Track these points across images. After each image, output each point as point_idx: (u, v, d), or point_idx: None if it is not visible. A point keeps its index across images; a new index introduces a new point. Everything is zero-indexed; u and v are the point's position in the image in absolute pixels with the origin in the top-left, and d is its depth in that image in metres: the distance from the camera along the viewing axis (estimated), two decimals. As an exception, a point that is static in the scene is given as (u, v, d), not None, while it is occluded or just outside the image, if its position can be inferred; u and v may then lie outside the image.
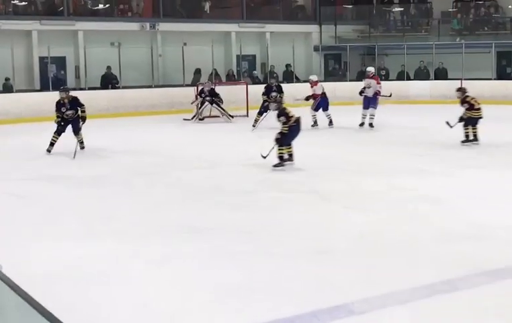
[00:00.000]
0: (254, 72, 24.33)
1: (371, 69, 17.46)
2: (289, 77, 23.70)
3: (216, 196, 8.83)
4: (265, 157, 10.71)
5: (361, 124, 16.13)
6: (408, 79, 24.18)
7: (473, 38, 24.87)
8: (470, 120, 12.90)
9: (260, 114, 16.44)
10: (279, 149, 10.72)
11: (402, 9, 27.01)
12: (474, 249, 6.16)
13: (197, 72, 22.31)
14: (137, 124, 17.52)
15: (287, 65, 23.97)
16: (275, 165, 10.54)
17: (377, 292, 5.11)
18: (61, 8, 21.64)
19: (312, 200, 8.46)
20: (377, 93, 16.15)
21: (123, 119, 18.69)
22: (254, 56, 25.26)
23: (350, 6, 27.26)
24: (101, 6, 22.72)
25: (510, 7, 25.63)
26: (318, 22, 25.90)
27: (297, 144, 12.83)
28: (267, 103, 15.80)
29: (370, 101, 16.08)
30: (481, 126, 13.19)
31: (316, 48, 25.62)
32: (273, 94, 16.49)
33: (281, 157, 10.68)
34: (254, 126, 16.23)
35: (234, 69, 23.76)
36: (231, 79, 22.81)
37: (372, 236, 6.72)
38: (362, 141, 13.92)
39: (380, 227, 7.07)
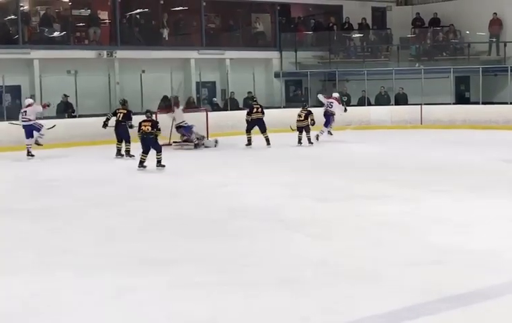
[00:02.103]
0: (214, 99, 24.34)
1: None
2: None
3: (175, 225, 8.75)
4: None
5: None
6: (369, 104, 24.49)
7: (431, 64, 25.38)
8: None
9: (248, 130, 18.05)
10: None
11: (361, 35, 27.36)
12: (438, 275, 6.21)
13: (165, 99, 22.20)
14: (94, 154, 17.30)
15: (249, 92, 24.01)
16: None
17: (340, 320, 5.11)
18: (16, 36, 21.35)
19: (276, 228, 8.43)
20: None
21: (80, 148, 18.45)
22: (214, 83, 25.26)
23: (310, 32, 27.50)
24: (57, 34, 22.46)
25: (467, 32, 26.17)
26: (278, 48, 26.06)
27: (261, 171, 12.84)
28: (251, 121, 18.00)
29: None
30: (441, 151, 13.39)
31: (276, 75, 25.77)
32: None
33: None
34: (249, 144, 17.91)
35: (194, 96, 23.72)
36: (191, 106, 22.73)
37: (336, 264, 6.71)
38: (326, 167, 13.97)
39: (344, 254, 7.08)
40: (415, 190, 10.85)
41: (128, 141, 16.45)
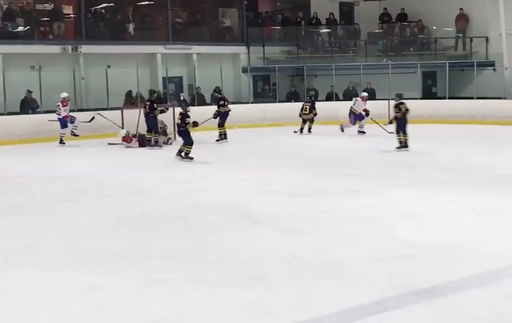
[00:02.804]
0: (182, 94, 24.25)
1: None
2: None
3: (143, 222, 8.73)
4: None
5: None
6: (337, 99, 24.64)
7: (399, 59, 25.64)
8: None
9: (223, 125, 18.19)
10: None
11: (329, 30, 27.51)
12: (405, 269, 6.30)
13: (128, 94, 22.08)
14: (59, 150, 17.16)
15: (216, 87, 23.96)
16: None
17: (309, 316, 5.15)
18: (-22, 31, 21.08)
19: (244, 224, 8.45)
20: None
21: (45, 145, 18.28)
22: (181, 78, 25.20)
23: (278, 27, 27.57)
24: (20, 28, 22.17)
25: (434, 28, 26.50)
26: (246, 43, 26.08)
27: (228, 167, 12.88)
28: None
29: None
30: (412, 145, 13.54)
31: (244, 70, 25.79)
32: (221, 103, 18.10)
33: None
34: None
35: (160, 91, 23.62)
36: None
37: (304, 259, 6.76)
38: (294, 163, 14.05)
39: (312, 249, 7.14)
40: (383, 184, 10.97)
41: (155, 131, 17.45)
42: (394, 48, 26.90)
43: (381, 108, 23.64)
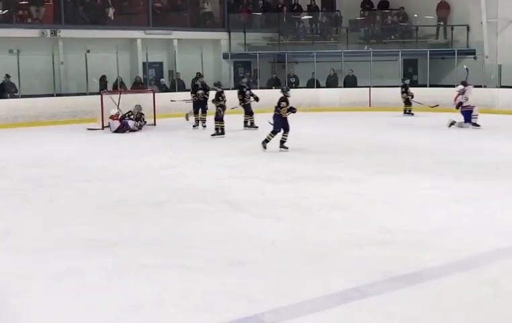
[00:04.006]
0: (162, 80, 24.17)
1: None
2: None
3: (122, 207, 8.68)
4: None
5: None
6: (319, 86, 24.66)
7: (380, 46, 25.71)
8: None
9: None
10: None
11: (311, 17, 27.51)
12: (383, 255, 6.32)
13: (102, 79, 21.92)
14: (37, 135, 17.02)
15: (197, 73, 23.90)
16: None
17: (288, 301, 5.15)
18: (-44, 14, 20.82)
19: (223, 210, 8.44)
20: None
21: (23, 129, 18.14)
22: (161, 64, 25.10)
23: (259, 13, 27.51)
24: (-2, 12, 21.99)
25: (415, 15, 26.58)
26: (227, 29, 26.00)
27: (208, 153, 12.85)
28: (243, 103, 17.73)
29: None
30: (388, 133, 13.55)
31: (225, 56, 25.73)
32: (247, 93, 17.66)
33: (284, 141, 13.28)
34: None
35: (140, 77, 23.52)
36: (138, 86, 22.54)
37: (283, 245, 6.77)
38: (273, 149, 14.02)
39: (291, 235, 7.14)
40: (362, 171, 10.99)
41: (203, 112, 18.08)
42: (376, 36, 26.96)
43: (362, 95, 23.78)
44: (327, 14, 28.04)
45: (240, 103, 17.85)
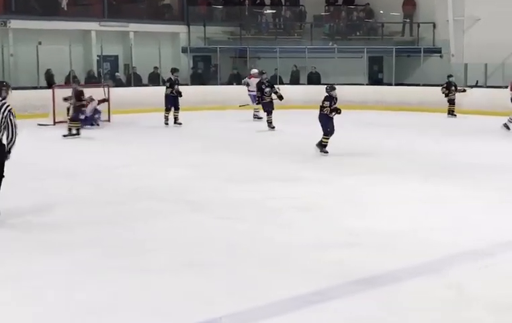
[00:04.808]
0: (117, 74, 23.98)
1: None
2: (156, 79, 23.55)
3: (76, 208, 8.62)
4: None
5: None
6: (281, 83, 24.69)
7: (345, 43, 25.87)
8: None
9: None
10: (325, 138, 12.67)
11: (274, 11, 27.56)
12: (346, 258, 6.39)
13: (47, 72, 21.66)
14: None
15: (155, 67, 23.82)
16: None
17: (247, 305, 5.18)
18: None
19: (181, 211, 8.43)
20: None
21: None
22: (116, 57, 24.89)
23: (220, 6, 27.45)
24: None
25: (381, 12, 26.84)
26: (186, 22, 25.90)
27: (167, 151, 12.77)
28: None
29: None
30: (354, 133, 13.62)
31: (184, 50, 25.61)
32: (267, 90, 17.03)
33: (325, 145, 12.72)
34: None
35: (94, 70, 23.32)
36: (91, 81, 22.32)
37: (244, 247, 6.80)
38: (237, 148, 14.06)
39: (252, 237, 7.18)
40: (330, 172, 11.10)
41: (177, 108, 17.86)
42: (340, 32, 27.13)
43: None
44: (291, 9, 28.12)
45: (259, 101, 17.52)
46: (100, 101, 18.44)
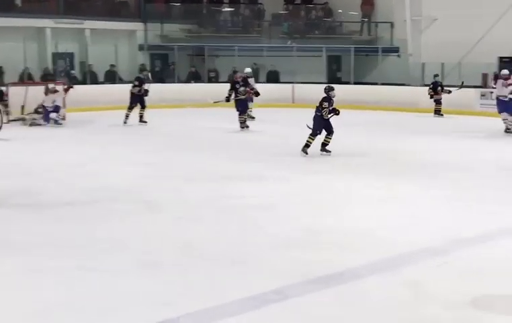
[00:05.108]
0: (73, 71, 23.71)
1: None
2: (112, 77, 23.39)
3: (30, 207, 8.51)
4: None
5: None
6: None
7: (304, 42, 25.98)
8: None
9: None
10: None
11: (232, 9, 27.55)
12: (305, 256, 6.41)
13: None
14: None
15: (111, 65, 23.63)
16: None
17: (205, 305, 5.14)
18: None
19: (138, 210, 8.36)
20: None
21: None
22: (72, 55, 24.60)
23: (177, 4, 27.32)
24: None
25: (340, 11, 27.02)
26: (142, 20, 25.73)
27: (124, 150, 12.65)
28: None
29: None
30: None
31: (141, 47, 25.46)
32: (241, 89, 16.75)
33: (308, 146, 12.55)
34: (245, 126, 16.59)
35: (50, 68, 23.02)
36: (47, 78, 22.03)
37: (202, 246, 6.76)
38: (195, 147, 14.01)
39: (211, 236, 7.16)
40: (289, 170, 11.13)
41: (143, 106, 17.80)
42: (299, 31, 27.23)
43: (284, 91, 23.95)
44: (249, 7, 28.14)
45: (228, 99, 17.23)
46: (66, 90, 18.26)
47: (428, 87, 20.64)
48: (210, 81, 25.08)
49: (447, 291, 5.49)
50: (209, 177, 10.49)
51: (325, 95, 12.97)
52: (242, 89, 16.78)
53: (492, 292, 5.52)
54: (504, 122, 16.32)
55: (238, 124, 16.59)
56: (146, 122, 17.78)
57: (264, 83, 24.57)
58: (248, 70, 19.66)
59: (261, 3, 28.08)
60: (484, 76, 22.86)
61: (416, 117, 20.38)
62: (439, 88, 20.36)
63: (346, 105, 21.58)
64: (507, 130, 16.16)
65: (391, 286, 5.65)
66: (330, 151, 12.72)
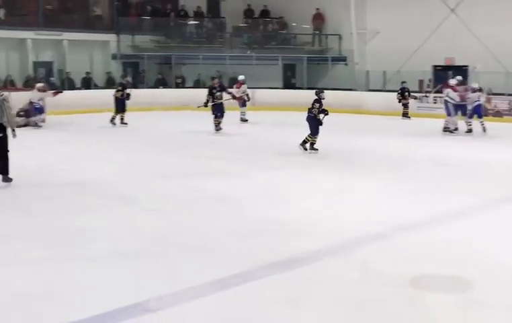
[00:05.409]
0: (52, 78, 23.37)
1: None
2: (88, 83, 23.20)
3: (9, 200, 8.38)
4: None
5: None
6: (205, 87, 24.67)
7: (262, 51, 26.05)
8: None
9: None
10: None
11: (197, 22, 27.48)
12: (263, 243, 6.38)
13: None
14: None
15: (87, 72, 23.45)
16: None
17: (172, 289, 5.08)
18: None
19: (112, 204, 8.23)
20: None
21: None
22: (51, 63, 24.24)
23: (147, 17, 27.15)
24: None
25: (294, 24, 27.13)
26: (116, 32, 25.48)
27: (99, 149, 12.45)
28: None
29: None
30: (270, 131, 13.61)
31: (114, 56, 25.22)
32: (218, 94, 16.21)
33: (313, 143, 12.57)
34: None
35: (31, 76, 22.64)
36: (29, 84, 21.65)
37: (170, 236, 6.69)
38: (164, 146, 13.88)
39: (178, 227, 7.08)
40: (248, 166, 11.10)
41: (124, 110, 17.50)
42: (258, 42, 27.27)
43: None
44: (212, 20, 28.10)
45: (205, 105, 16.44)
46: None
47: (396, 93, 20.81)
48: (177, 86, 25.09)
49: (390, 271, 5.52)
50: (177, 174, 10.39)
51: (316, 97, 12.95)
52: (218, 94, 16.50)
53: (428, 272, 5.58)
54: (446, 123, 16.51)
55: (208, 126, 16.43)
56: (126, 123, 17.57)
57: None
58: (241, 77, 19.62)
59: (223, 17, 28.05)
60: (421, 82, 23.18)
61: (361, 118, 20.52)
62: (407, 93, 20.48)
63: (300, 108, 21.72)
64: (446, 129, 16.37)
65: (341, 267, 5.67)
66: (317, 149, 12.69)
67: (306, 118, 12.85)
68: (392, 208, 8.01)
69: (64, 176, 10.11)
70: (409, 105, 20.44)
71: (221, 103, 16.24)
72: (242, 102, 18.94)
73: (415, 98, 20.41)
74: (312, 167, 11.21)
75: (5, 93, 9.27)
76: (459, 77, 17.06)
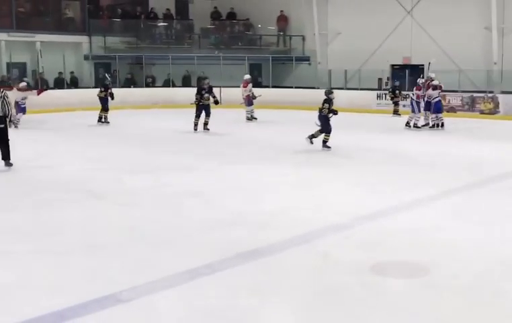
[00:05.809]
0: (25, 78, 22.96)
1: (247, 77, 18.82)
2: (61, 83, 22.92)
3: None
4: None
5: None
6: (174, 86, 24.66)
7: (229, 52, 26.04)
8: None
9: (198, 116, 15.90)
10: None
11: (166, 24, 27.34)
12: (232, 235, 6.36)
13: None
14: None
15: (60, 73, 23.17)
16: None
17: (144, 280, 5.03)
18: None
19: (85, 199, 8.11)
20: None
21: None
22: (24, 64, 23.87)
23: (118, 20, 26.90)
24: None
25: (260, 26, 27.15)
26: (87, 33, 25.21)
27: (71, 146, 12.29)
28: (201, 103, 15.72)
29: None
30: (237, 128, 13.59)
31: (86, 57, 24.97)
32: (206, 95, 15.92)
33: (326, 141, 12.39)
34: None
35: (5, 76, 22.28)
36: (3, 85, 21.26)
37: (142, 229, 6.62)
38: (133, 142, 13.75)
39: (149, 220, 7.01)
40: (216, 161, 11.06)
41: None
42: (225, 42, 27.23)
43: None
44: (181, 22, 27.96)
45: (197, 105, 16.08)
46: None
47: (388, 91, 20.97)
48: (148, 85, 24.94)
49: (351, 259, 5.55)
50: (146, 169, 10.29)
51: (326, 97, 12.67)
52: (206, 95, 16.22)
53: (387, 259, 5.62)
54: (410, 119, 16.80)
55: (176, 123, 16.29)
56: (108, 122, 17.43)
57: (195, 87, 24.41)
58: (247, 76, 19.35)
59: (191, 19, 27.94)
60: (379, 80, 23.42)
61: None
62: (397, 92, 20.56)
63: (266, 106, 21.76)
64: (413, 125, 16.68)
65: (305, 256, 5.68)
66: (330, 147, 12.50)
67: (317, 116, 12.63)
68: (352, 200, 8.05)
69: (38, 173, 9.96)
70: (399, 103, 20.55)
71: (208, 105, 16.04)
72: (249, 101, 18.71)
73: (405, 97, 20.52)
74: (273, 161, 11.21)
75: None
76: (423, 79, 17.24)
